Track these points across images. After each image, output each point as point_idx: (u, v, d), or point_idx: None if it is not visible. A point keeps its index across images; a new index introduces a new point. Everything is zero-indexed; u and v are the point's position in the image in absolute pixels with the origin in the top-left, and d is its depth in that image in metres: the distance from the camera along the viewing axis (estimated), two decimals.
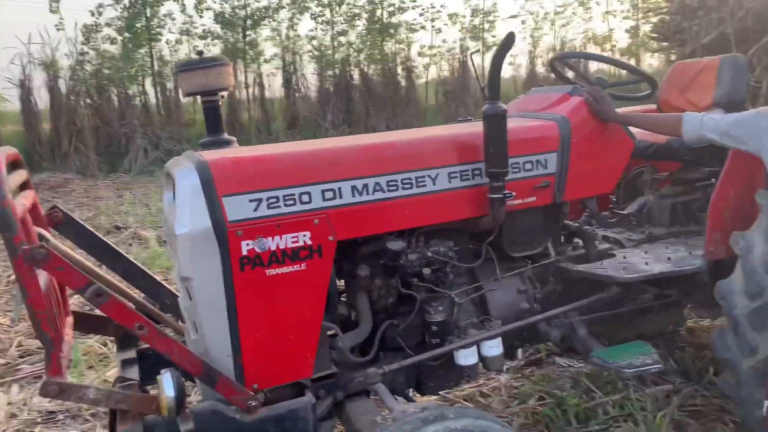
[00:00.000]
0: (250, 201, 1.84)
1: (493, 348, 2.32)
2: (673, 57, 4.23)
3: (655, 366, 2.32)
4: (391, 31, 16.76)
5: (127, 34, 14.54)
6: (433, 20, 17.40)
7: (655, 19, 4.35)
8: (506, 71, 19.99)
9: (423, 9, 17.23)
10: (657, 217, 2.95)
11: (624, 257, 2.62)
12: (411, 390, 2.47)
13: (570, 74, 2.96)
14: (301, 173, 1.95)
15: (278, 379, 1.97)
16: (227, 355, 1.87)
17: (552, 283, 2.57)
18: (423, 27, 17.41)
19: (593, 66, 11.76)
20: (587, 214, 2.97)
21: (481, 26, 17.73)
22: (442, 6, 17.44)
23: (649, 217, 2.98)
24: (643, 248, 2.73)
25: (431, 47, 17.63)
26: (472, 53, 15.74)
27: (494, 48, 2.36)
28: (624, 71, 2.85)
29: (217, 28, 15.52)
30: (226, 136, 2.41)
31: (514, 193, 2.20)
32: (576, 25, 19.12)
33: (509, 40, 2.06)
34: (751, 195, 2.33)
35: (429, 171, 2.16)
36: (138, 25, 14.61)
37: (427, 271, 2.24)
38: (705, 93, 2.91)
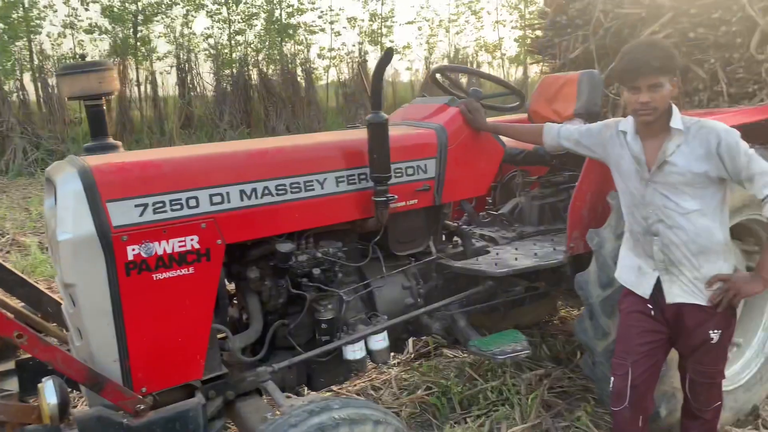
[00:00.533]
0: (136, 206, 1.86)
1: (380, 342, 2.47)
2: (546, 69, 4.64)
3: (524, 351, 2.57)
4: (290, 31, 16.70)
5: (1, 25, 13.47)
6: (332, 23, 17.56)
7: (534, 34, 4.74)
8: (405, 76, 20.55)
9: (322, 11, 17.36)
10: (527, 216, 3.23)
11: (497, 254, 2.86)
12: (303, 387, 2.56)
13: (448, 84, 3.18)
14: (188, 178, 1.99)
15: (167, 381, 2.00)
16: (114, 360, 1.88)
17: (434, 279, 2.77)
18: (322, 29, 17.53)
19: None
20: (467, 215, 3.21)
21: (379, 30, 18.09)
22: (341, 9, 17.58)
23: (521, 216, 3.27)
24: (515, 245, 2.99)
25: (331, 50, 17.78)
26: (360, 63, 16.03)
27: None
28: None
29: (105, 23, 14.75)
30: (110, 140, 2.39)
31: (396, 197, 2.36)
32: (469, 33, 19.90)
33: (388, 56, 2.22)
34: (603, 196, 2.64)
35: (317, 175, 2.27)
36: (14, 15, 13.58)
37: (316, 271, 2.34)
38: (567, 104, 3.23)
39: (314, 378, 2.52)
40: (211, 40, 15.97)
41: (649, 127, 2.07)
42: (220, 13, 16.15)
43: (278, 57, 16.23)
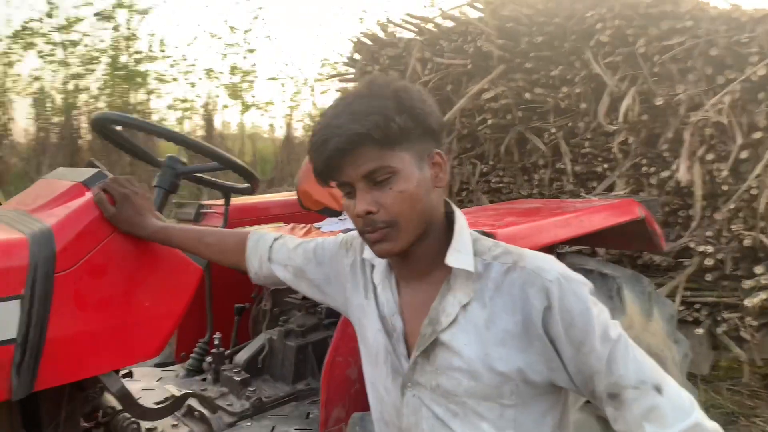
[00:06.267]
0: None
1: None
2: None
3: None
4: (139, 79, 15.11)
5: None
6: (186, 73, 16.17)
7: (342, 89, 3.81)
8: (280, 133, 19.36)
9: (174, 60, 15.95)
10: (278, 366, 1.96)
11: None
12: None
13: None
14: None
15: None
16: None
17: None
18: (175, 79, 16.09)
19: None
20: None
21: (240, 85, 16.95)
22: (195, 60, 16.41)
23: (270, 366, 1.98)
24: (240, 427, 1.72)
25: (184, 100, 16.29)
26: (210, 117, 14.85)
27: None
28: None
29: None
30: None
31: None
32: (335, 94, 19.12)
33: None
34: None
35: None
36: None
37: None
38: None
39: None
40: (39, 83, 13.96)
41: (407, 263, 0.95)
42: (54, 55, 14.24)
43: (120, 106, 14.46)
